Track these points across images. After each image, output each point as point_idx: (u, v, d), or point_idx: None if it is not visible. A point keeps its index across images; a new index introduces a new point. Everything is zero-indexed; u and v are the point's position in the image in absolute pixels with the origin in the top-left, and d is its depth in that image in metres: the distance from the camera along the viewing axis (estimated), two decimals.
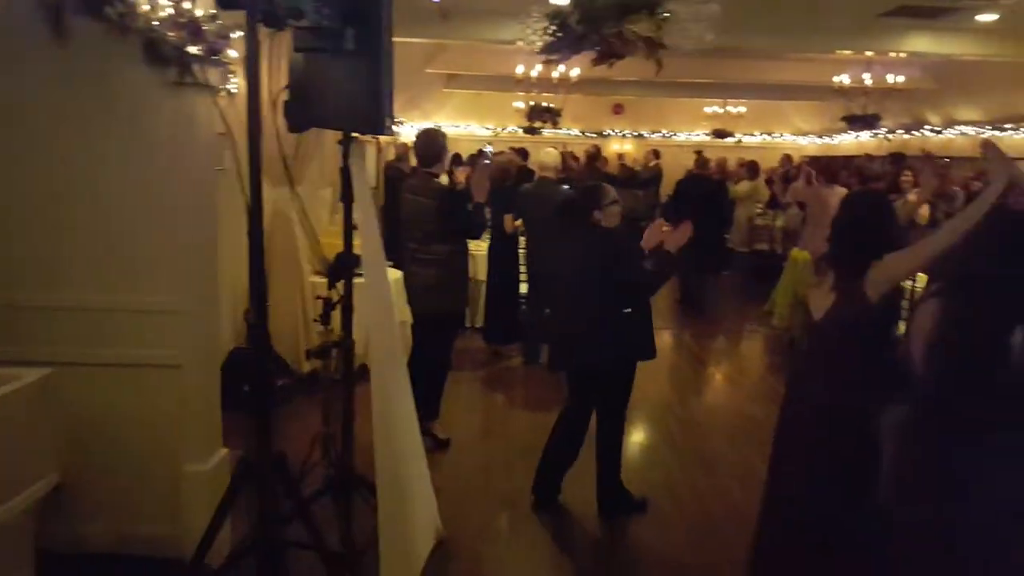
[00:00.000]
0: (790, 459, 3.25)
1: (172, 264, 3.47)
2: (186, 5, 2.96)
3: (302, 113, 2.92)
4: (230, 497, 2.87)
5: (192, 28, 3.00)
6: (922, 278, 6.28)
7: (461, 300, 5.33)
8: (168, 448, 3.55)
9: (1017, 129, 10.08)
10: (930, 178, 3.40)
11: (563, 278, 4.41)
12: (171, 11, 2.92)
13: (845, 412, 3.02)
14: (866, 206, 3.16)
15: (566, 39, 3.01)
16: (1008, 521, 2.17)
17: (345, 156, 3.09)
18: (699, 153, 12.23)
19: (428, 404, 5.06)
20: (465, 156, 12.27)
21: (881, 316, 3.02)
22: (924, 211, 4.57)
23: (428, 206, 4.84)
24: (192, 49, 3.05)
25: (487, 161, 5.13)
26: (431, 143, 4.96)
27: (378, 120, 2.79)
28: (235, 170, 2.66)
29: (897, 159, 11.53)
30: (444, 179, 5.66)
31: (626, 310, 4.14)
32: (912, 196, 4.36)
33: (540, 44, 3.18)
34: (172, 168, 3.38)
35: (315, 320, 3.45)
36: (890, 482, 2.85)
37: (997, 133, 10.38)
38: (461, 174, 6.03)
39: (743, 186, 11.78)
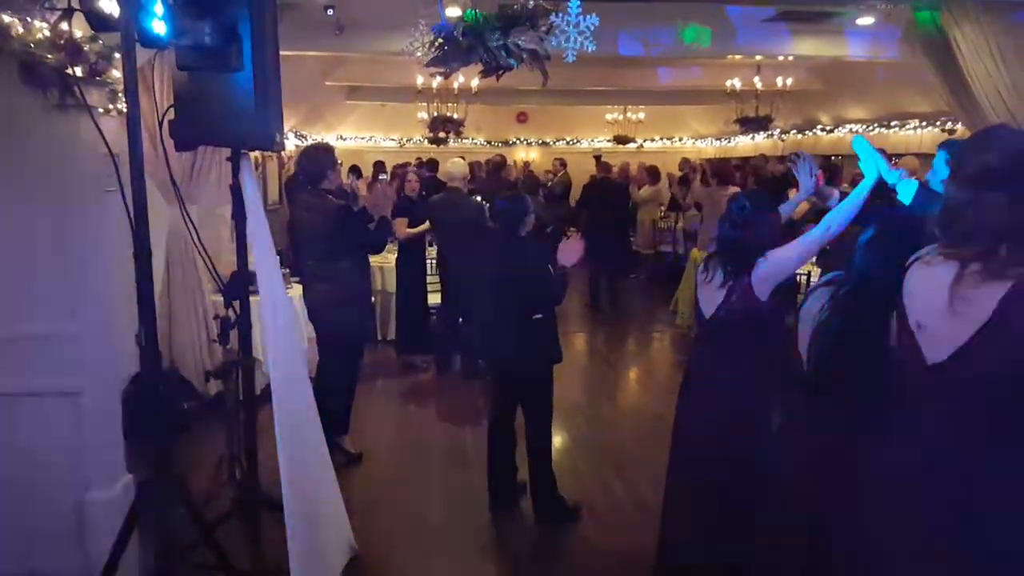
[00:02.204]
0: (688, 454, 3.37)
1: (64, 289, 3.37)
2: (64, 27, 2.88)
3: (189, 131, 2.89)
4: (130, 524, 2.82)
5: (72, 49, 2.92)
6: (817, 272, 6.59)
7: (363, 315, 5.24)
8: (70, 477, 3.46)
9: (901, 126, 10.55)
10: (808, 178, 3.55)
11: (482, 285, 4.50)
12: (47, 33, 2.84)
13: (737, 407, 3.15)
14: (749, 205, 3.29)
15: (452, 52, 3.06)
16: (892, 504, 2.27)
17: (235, 173, 3.07)
18: (598, 158, 12.43)
19: (337, 419, 5.03)
20: (368, 168, 12.24)
21: (770, 312, 3.15)
22: (802, 208, 4.78)
23: (322, 223, 4.76)
24: (74, 70, 2.98)
25: (383, 176, 5.18)
26: (313, 161, 4.88)
27: (266, 136, 2.79)
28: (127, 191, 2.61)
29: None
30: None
31: (537, 316, 4.24)
32: (791, 193, 4.57)
33: (428, 56, 3.22)
34: (57, 191, 3.29)
35: (213, 341, 3.40)
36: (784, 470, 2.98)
37: (883, 130, 10.84)
38: (362, 186, 6.01)
39: (646, 190, 12.06)
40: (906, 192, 2.87)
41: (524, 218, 4.29)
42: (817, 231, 3.01)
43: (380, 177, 6.55)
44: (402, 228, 7.00)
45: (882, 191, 3.06)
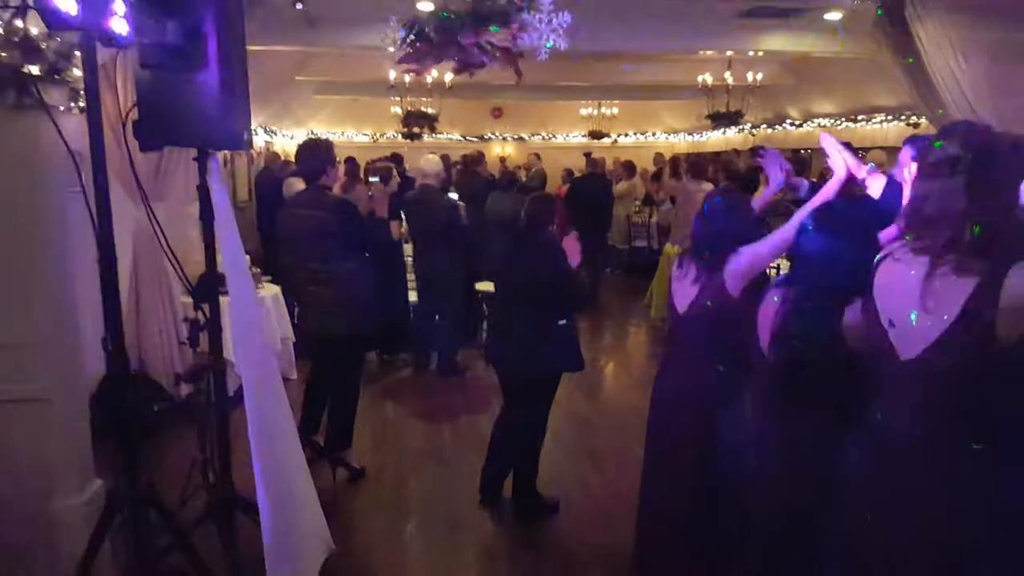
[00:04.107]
0: (662, 447, 3.37)
1: (28, 293, 3.32)
2: (19, 23, 2.80)
3: (153, 131, 2.81)
4: (101, 530, 2.79)
5: (28, 48, 2.85)
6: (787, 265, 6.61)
7: (369, 318, 4.86)
8: (39, 482, 3.41)
9: (868, 120, 10.66)
10: (777, 172, 3.56)
11: (506, 289, 4.46)
12: (0, 31, 2.76)
13: (711, 400, 3.16)
14: (723, 201, 3.29)
15: (424, 48, 3.02)
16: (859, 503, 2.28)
17: (202, 173, 3.01)
18: (588, 155, 12.42)
19: (342, 430, 4.95)
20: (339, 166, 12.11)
21: (743, 308, 3.15)
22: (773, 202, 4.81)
23: (326, 219, 4.50)
24: (31, 69, 2.90)
25: (375, 179, 5.20)
26: (311, 155, 4.64)
27: (234, 135, 2.74)
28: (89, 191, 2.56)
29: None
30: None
31: (561, 321, 4.19)
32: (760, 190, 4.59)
33: (399, 53, 3.18)
34: (16, 193, 3.22)
35: (182, 344, 3.35)
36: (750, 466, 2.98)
37: (850, 124, 10.96)
38: (336, 189, 5.94)
39: (622, 185, 12.09)
40: (875, 187, 2.89)
41: (552, 220, 4.20)
42: (788, 226, 3.01)
43: (371, 180, 6.47)
44: (397, 229, 6.91)
45: (851, 186, 3.08)
